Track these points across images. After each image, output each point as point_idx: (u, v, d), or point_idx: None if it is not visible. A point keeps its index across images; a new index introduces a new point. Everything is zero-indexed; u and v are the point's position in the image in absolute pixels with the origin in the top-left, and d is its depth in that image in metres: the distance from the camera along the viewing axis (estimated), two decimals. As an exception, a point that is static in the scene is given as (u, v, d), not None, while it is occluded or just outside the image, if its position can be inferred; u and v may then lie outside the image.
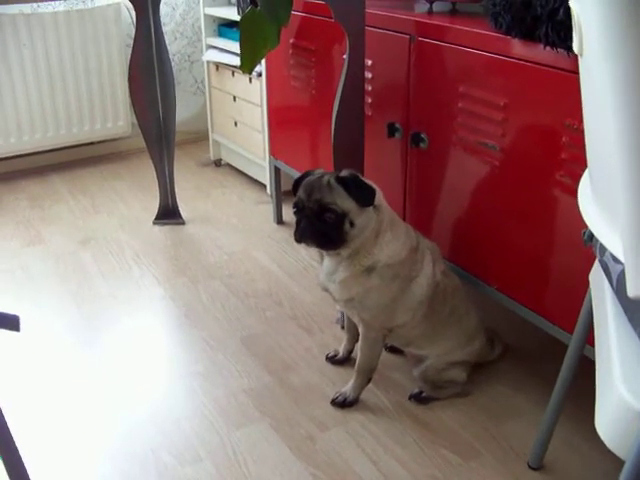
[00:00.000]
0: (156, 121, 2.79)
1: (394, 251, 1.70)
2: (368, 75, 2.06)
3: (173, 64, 3.06)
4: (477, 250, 1.88)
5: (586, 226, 1.06)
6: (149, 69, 2.71)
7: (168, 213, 2.95)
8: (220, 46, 3.19)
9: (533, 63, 1.56)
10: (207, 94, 3.42)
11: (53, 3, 3.22)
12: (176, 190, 2.94)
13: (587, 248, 1.23)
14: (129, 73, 2.73)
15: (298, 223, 1.68)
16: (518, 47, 1.59)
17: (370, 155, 2.08)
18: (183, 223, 2.93)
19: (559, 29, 1.43)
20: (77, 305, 2.33)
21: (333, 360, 2.02)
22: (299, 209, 1.68)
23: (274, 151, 2.80)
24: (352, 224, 1.63)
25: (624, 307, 1.00)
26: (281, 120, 2.72)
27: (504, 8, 1.58)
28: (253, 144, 3.09)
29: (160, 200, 2.93)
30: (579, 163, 1.49)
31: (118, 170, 3.53)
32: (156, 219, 2.94)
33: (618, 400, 0.88)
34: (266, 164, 2.99)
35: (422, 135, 1.94)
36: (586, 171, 1.12)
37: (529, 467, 1.64)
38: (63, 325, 2.22)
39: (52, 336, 2.16)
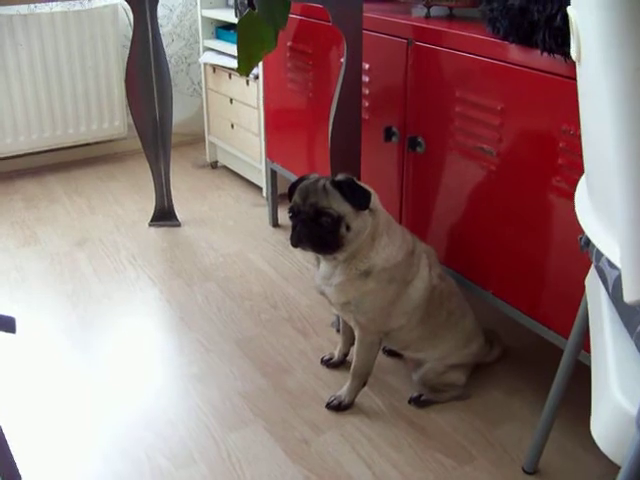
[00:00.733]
0: (152, 123, 2.79)
1: (390, 254, 1.70)
2: (365, 79, 2.06)
3: (170, 66, 3.06)
4: (473, 255, 1.88)
5: (582, 232, 1.06)
6: (146, 71, 2.71)
7: (164, 215, 2.95)
8: (217, 48, 3.19)
9: (530, 68, 1.56)
10: (204, 96, 3.42)
11: (50, 4, 3.22)
12: (172, 192, 2.93)
13: (583, 254, 1.24)
14: (126, 74, 2.73)
15: (294, 228, 1.68)
16: (515, 52, 1.59)
17: (367, 159, 2.09)
18: (179, 225, 2.93)
19: (556, 35, 1.43)
20: (72, 306, 2.32)
21: (328, 363, 2.02)
22: (295, 214, 1.68)
23: (270, 154, 2.80)
24: (348, 228, 1.63)
25: (620, 312, 1.00)
26: (278, 123, 2.72)
27: (501, 13, 1.58)
28: (249, 146, 3.09)
29: (156, 202, 2.93)
30: (576, 169, 1.49)
31: (114, 171, 3.53)
32: (152, 221, 2.94)
33: (614, 405, 0.88)
34: (262, 167, 2.99)
35: (419, 139, 1.94)
36: (583, 176, 1.12)
37: (524, 471, 1.64)
38: (58, 326, 2.21)
39: (47, 337, 2.16)
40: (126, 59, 2.70)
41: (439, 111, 1.86)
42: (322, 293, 1.80)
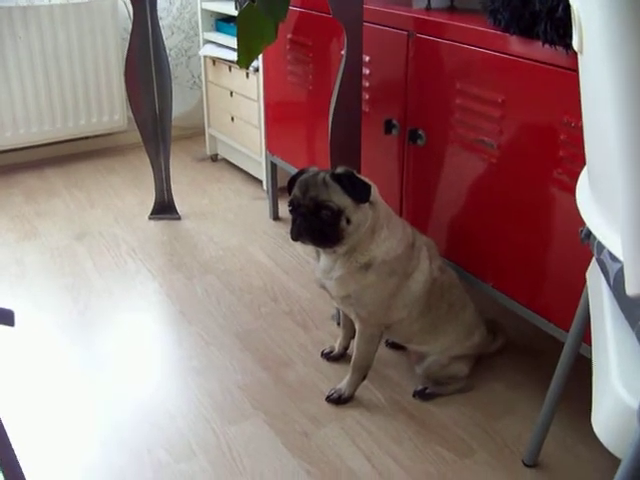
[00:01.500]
0: (152, 116, 2.78)
1: (390, 247, 1.70)
2: (366, 71, 2.06)
3: (170, 59, 3.05)
4: (474, 247, 1.88)
5: (583, 224, 1.06)
6: (146, 63, 2.70)
7: (164, 208, 2.94)
8: (217, 41, 3.18)
9: (531, 60, 1.55)
10: (204, 89, 3.42)
11: (49, -4, 3.21)
12: (172, 185, 2.93)
13: (584, 246, 1.23)
14: (125, 67, 2.72)
15: (294, 221, 1.67)
16: (516, 44, 1.58)
17: (367, 152, 2.08)
18: (179, 218, 2.92)
19: (558, 26, 1.43)
20: (72, 299, 2.32)
21: (328, 356, 2.01)
22: (295, 207, 1.67)
23: (270, 147, 2.79)
24: (348, 221, 1.62)
25: (621, 305, 1.00)
26: (278, 116, 2.71)
27: (503, 5, 1.57)
28: (249, 139, 3.09)
29: (156, 195, 2.92)
30: (577, 161, 1.49)
31: (114, 164, 3.52)
32: (152, 214, 2.94)
33: (615, 398, 0.88)
34: (262, 160, 2.99)
35: (419, 132, 1.94)
36: (584, 169, 1.12)
37: (524, 464, 1.64)
38: (58, 320, 2.21)
39: (47, 331, 2.16)
40: (126, 52, 2.69)
41: (440, 103, 1.85)
42: (322, 287, 1.79)
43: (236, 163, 3.39)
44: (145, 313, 2.26)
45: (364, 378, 1.85)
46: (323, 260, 1.75)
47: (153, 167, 2.88)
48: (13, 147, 3.38)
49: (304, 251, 2.62)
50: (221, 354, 2.04)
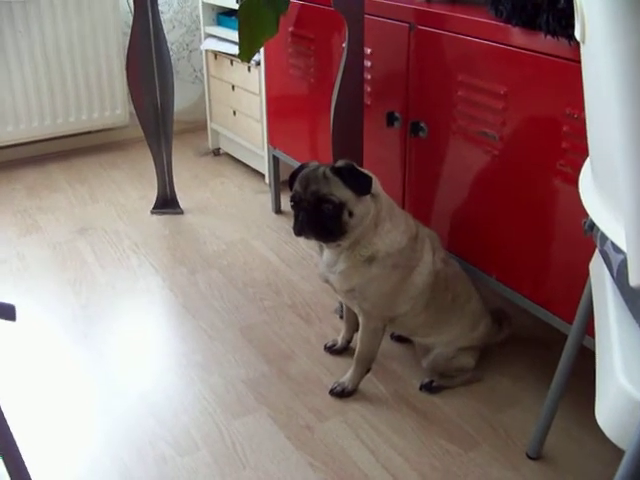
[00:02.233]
0: (154, 110, 2.78)
1: (394, 240, 1.69)
2: (367, 64, 2.05)
3: (171, 53, 3.05)
4: (476, 239, 1.88)
5: (586, 215, 1.05)
6: (147, 58, 2.70)
7: (166, 202, 2.94)
8: (219, 35, 3.18)
9: (533, 52, 1.55)
10: (205, 83, 3.41)
11: (50, -9, 3.21)
12: (174, 179, 2.92)
13: (587, 238, 1.23)
14: (127, 62, 2.72)
15: (296, 217, 1.67)
16: (518, 35, 1.58)
17: (369, 144, 2.07)
18: (181, 213, 2.92)
19: (560, 17, 1.42)
20: (75, 294, 2.32)
21: (332, 350, 2.01)
22: (296, 202, 1.67)
23: (273, 140, 2.79)
24: (351, 214, 1.62)
25: (625, 297, 0.99)
26: (280, 109, 2.70)
27: (505, -4, 1.56)
28: (252, 133, 3.08)
29: (158, 189, 2.92)
30: (580, 152, 1.48)
31: (116, 159, 3.52)
32: (154, 208, 2.93)
33: (618, 390, 0.88)
34: (265, 153, 2.98)
35: (421, 124, 1.93)
36: (587, 160, 1.11)
37: (528, 457, 1.64)
38: (60, 314, 2.21)
39: (49, 325, 2.16)
40: (127, 46, 2.69)
41: (442, 95, 1.85)
42: (326, 281, 1.79)
43: (238, 157, 3.39)
44: (148, 307, 2.27)
45: (368, 371, 1.85)
46: (326, 254, 1.75)
47: (155, 162, 2.87)
48: (15, 142, 3.38)
49: (307, 245, 2.62)
50: (224, 348, 2.04)
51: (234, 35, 2.83)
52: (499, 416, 1.77)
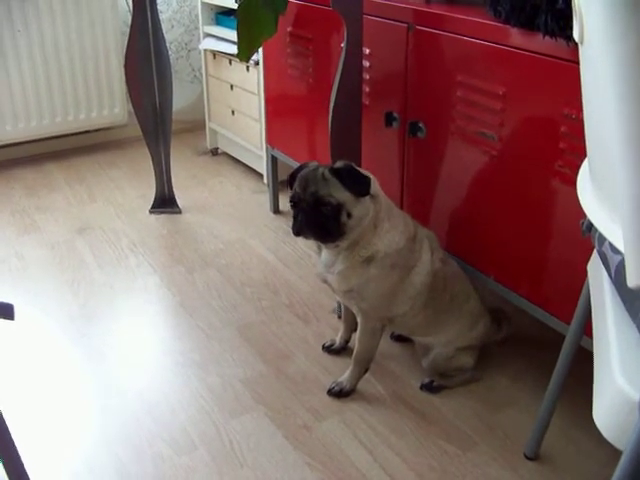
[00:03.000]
0: (152, 109, 2.78)
1: (392, 240, 1.69)
2: (366, 64, 2.05)
3: (170, 52, 3.05)
4: (474, 239, 1.88)
5: (584, 216, 1.06)
6: (146, 57, 2.69)
7: (164, 202, 2.94)
8: (217, 34, 3.18)
9: (532, 52, 1.55)
10: (204, 83, 3.41)
11: (49, -10, 3.20)
12: (172, 179, 2.92)
13: (585, 238, 1.23)
14: (125, 61, 2.71)
15: (295, 217, 1.67)
16: (517, 36, 1.58)
17: (367, 144, 2.08)
18: (179, 212, 2.92)
19: (558, 18, 1.42)
20: (73, 294, 2.32)
21: (329, 350, 2.01)
22: (295, 203, 1.67)
23: (271, 140, 2.79)
24: (349, 215, 1.62)
25: (622, 297, 0.99)
26: (278, 109, 2.70)
27: (503, -4, 1.57)
28: (250, 133, 3.08)
29: (156, 189, 2.92)
30: (578, 153, 1.48)
31: (114, 158, 3.52)
32: (152, 208, 2.93)
33: (616, 391, 0.88)
34: (263, 153, 2.98)
35: (420, 124, 1.93)
36: (585, 160, 1.11)
37: (525, 457, 1.64)
38: (59, 313, 2.21)
39: (47, 324, 2.16)
40: (126, 45, 2.68)
41: (440, 96, 1.85)
42: (324, 281, 1.79)
43: (237, 157, 3.39)
44: (146, 307, 2.26)
45: (366, 371, 1.85)
46: (325, 254, 1.75)
47: (153, 161, 2.87)
48: (13, 142, 3.37)
49: (305, 244, 2.62)
50: (222, 347, 2.04)
51: (233, 35, 2.82)
52: (497, 416, 1.77)
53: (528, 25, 1.53)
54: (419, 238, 1.76)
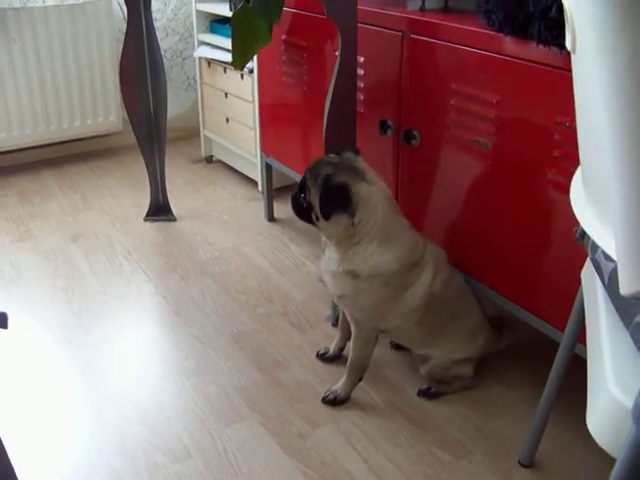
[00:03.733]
0: (147, 117, 2.78)
1: (380, 263, 1.67)
2: (360, 72, 2.05)
3: (165, 60, 3.05)
4: (469, 247, 1.88)
5: (578, 224, 1.06)
6: (140, 65, 2.70)
7: (159, 209, 2.94)
8: (212, 42, 3.18)
9: (525, 61, 1.55)
10: (199, 90, 3.41)
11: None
12: (167, 186, 2.92)
13: (579, 246, 1.23)
14: (120, 69, 2.72)
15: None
16: (510, 44, 1.58)
17: (362, 152, 2.07)
18: (174, 220, 2.92)
19: (552, 26, 1.43)
20: (67, 301, 2.31)
21: (324, 358, 2.01)
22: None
23: (266, 148, 2.79)
24: (317, 218, 1.68)
25: (616, 305, 1.00)
26: (273, 117, 2.71)
27: (497, 5, 1.57)
28: (244, 141, 3.08)
29: (151, 196, 2.92)
30: (571, 161, 1.49)
31: (109, 166, 3.52)
32: (147, 215, 2.93)
33: (610, 398, 0.88)
34: (257, 161, 2.98)
35: (414, 132, 1.94)
36: (578, 168, 1.12)
37: (520, 464, 1.64)
38: (53, 322, 2.20)
39: (41, 333, 2.15)
40: (120, 53, 2.69)
41: (434, 104, 1.85)
42: (322, 281, 1.79)
43: (231, 164, 3.39)
44: (140, 315, 2.26)
45: (360, 379, 1.85)
46: (327, 253, 1.75)
47: (148, 169, 2.87)
48: (7, 149, 3.37)
49: (300, 252, 2.62)
50: (217, 355, 2.04)
51: (227, 43, 2.83)
52: (491, 424, 1.77)
53: (521, 33, 1.54)
54: (422, 263, 1.72)
